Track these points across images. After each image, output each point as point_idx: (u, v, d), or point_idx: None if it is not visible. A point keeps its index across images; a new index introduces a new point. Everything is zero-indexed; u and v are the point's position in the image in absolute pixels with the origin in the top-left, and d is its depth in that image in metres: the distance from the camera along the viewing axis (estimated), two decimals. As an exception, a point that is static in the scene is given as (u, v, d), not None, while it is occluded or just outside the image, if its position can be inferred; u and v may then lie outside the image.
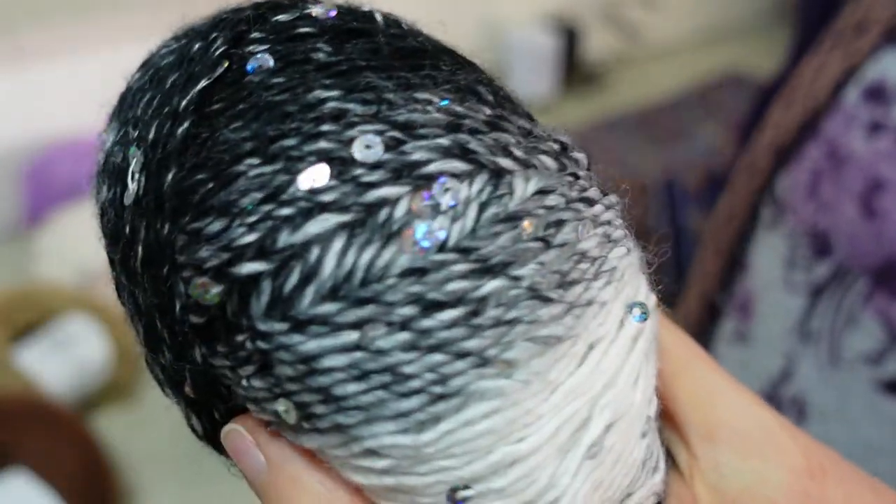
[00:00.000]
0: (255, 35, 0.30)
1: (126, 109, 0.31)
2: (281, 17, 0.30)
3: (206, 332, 0.28)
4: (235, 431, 0.29)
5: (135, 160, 0.29)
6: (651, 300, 0.31)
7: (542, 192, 0.28)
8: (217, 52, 0.29)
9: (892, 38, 0.50)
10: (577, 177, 0.30)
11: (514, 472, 0.28)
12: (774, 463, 0.31)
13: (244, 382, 0.28)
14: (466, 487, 0.28)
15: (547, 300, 0.28)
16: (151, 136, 0.29)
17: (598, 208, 0.30)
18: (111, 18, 1.35)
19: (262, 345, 0.27)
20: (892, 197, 0.48)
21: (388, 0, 0.32)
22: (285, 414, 0.28)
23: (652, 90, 1.77)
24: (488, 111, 0.29)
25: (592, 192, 0.30)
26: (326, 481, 0.29)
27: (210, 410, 0.30)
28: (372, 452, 0.27)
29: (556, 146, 0.30)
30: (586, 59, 1.80)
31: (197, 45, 0.30)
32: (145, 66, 0.31)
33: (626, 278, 0.30)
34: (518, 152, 0.29)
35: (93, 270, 1.20)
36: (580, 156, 0.31)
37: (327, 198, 0.27)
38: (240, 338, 0.27)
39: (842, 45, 0.52)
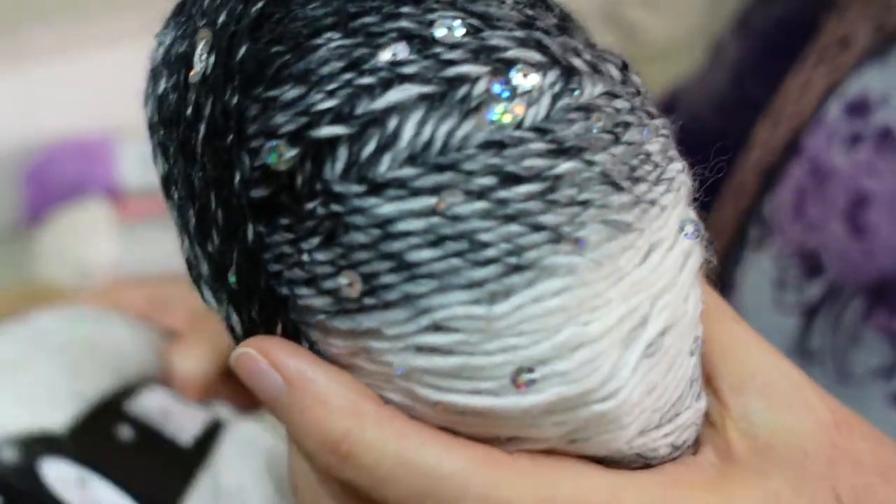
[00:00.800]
0: None
1: (189, 7, 0.30)
2: None
3: (269, 205, 0.28)
4: (247, 354, 0.29)
5: (202, 43, 0.29)
6: (701, 225, 0.31)
7: (609, 95, 0.29)
8: None
9: (875, 52, 0.50)
10: (638, 91, 0.31)
11: (579, 356, 0.27)
12: (803, 414, 0.32)
13: (305, 258, 0.28)
14: (531, 370, 0.27)
15: (618, 188, 0.28)
16: (222, 19, 0.29)
17: (658, 121, 0.31)
18: (111, 18, 1.34)
19: (335, 208, 0.27)
20: (878, 211, 0.48)
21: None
22: (348, 288, 0.27)
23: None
24: (555, 20, 0.30)
25: (652, 109, 0.31)
26: (350, 395, 0.28)
27: (251, 304, 0.30)
28: (439, 327, 0.27)
29: (619, 61, 0.31)
30: (586, 59, 1.80)
31: None
32: None
33: (682, 193, 0.30)
34: (587, 56, 0.29)
35: (93, 270, 1.20)
36: (638, 79, 0.31)
37: (408, 70, 0.27)
38: (309, 205, 0.27)
39: (827, 61, 0.52)
